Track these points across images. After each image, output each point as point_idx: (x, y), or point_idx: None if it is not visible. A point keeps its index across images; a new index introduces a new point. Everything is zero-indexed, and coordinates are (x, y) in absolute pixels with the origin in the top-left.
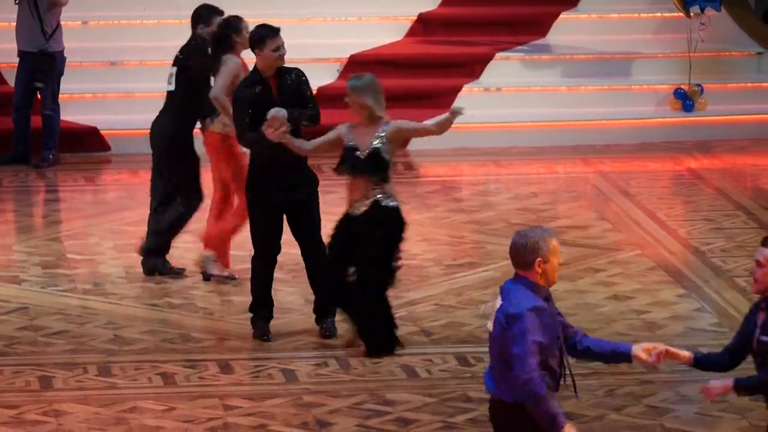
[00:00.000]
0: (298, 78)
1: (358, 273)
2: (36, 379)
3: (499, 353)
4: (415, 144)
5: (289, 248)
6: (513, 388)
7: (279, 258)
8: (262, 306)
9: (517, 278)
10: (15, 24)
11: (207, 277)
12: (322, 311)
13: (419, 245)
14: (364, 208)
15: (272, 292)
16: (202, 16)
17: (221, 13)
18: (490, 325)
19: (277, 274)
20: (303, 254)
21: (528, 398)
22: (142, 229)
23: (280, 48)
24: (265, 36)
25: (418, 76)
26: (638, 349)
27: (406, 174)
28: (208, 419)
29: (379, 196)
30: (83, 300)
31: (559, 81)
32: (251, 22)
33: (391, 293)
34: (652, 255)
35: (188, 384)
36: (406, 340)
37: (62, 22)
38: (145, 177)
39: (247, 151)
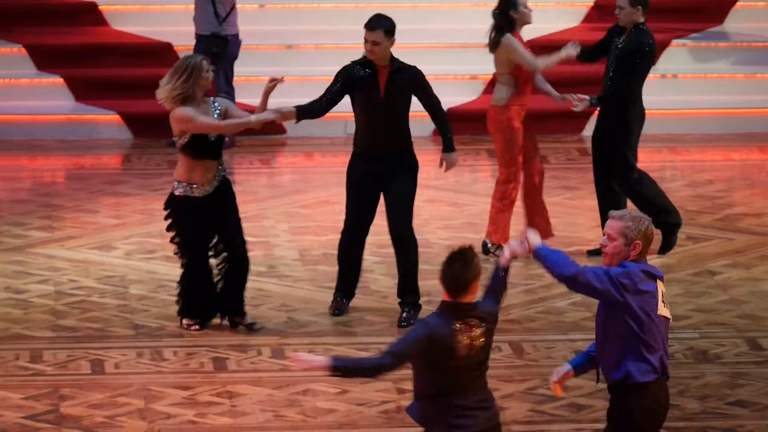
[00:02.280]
0: (413, 78)
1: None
2: (210, 360)
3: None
4: (590, 130)
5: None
6: None
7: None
8: (341, 281)
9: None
10: (193, 7)
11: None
12: (403, 296)
13: (594, 231)
14: (216, 184)
15: (358, 272)
16: None
17: None
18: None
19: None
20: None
21: None
22: (317, 212)
23: (367, 42)
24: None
25: (593, 62)
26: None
27: (581, 160)
28: (381, 402)
29: (224, 173)
30: (257, 282)
31: (736, 68)
32: (419, 8)
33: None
34: None
35: None
36: (580, 326)
37: (240, 6)
38: (320, 160)
39: None
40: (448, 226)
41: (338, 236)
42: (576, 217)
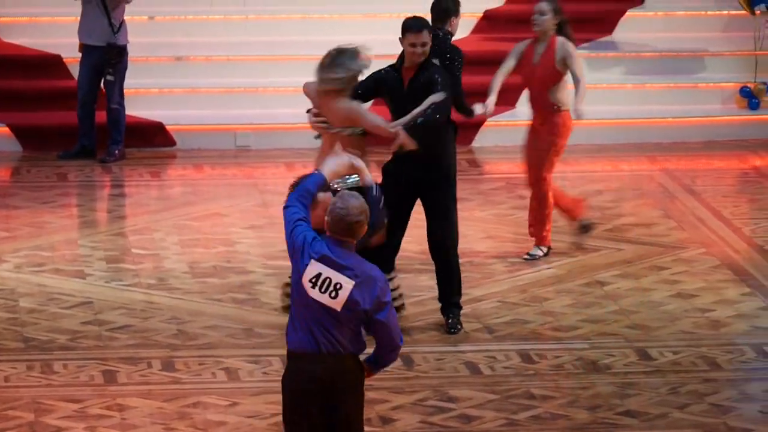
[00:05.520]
0: (432, 78)
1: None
2: (100, 373)
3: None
4: (479, 141)
5: None
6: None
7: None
8: None
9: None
10: (79, 19)
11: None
12: (445, 304)
13: (484, 242)
14: None
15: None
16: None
17: None
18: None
19: None
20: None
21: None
22: (207, 224)
23: (416, 45)
24: (407, 29)
25: (483, 73)
26: None
27: (471, 171)
28: (272, 414)
29: None
30: (147, 295)
31: (625, 78)
32: (309, 19)
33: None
34: (717, 253)
35: (252, 379)
36: (470, 338)
37: (128, 17)
38: (210, 173)
39: None
40: None
41: (227, 248)
42: (466, 229)
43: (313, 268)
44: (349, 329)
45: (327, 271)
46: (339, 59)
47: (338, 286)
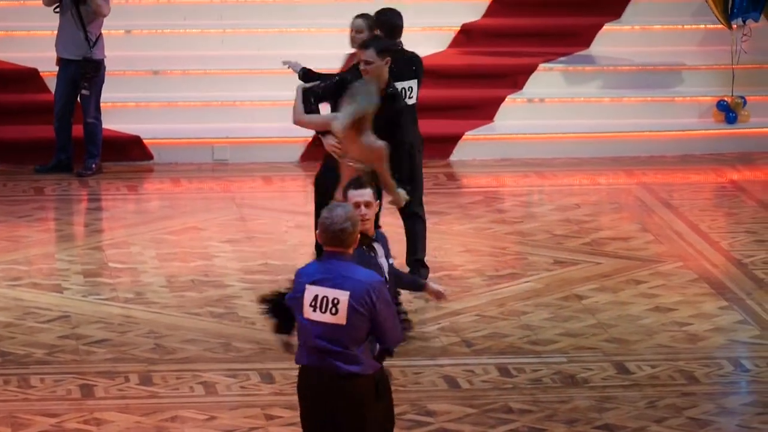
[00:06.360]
0: (397, 111)
1: None
2: (77, 387)
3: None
4: (458, 155)
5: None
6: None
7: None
8: None
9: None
10: (56, 32)
11: None
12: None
13: (462, 256)
14: None
15: None
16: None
17: None
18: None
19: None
20: None
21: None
22: (185, 238)
23: (361, 62)
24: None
25: (461, 87)
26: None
27: (449, 184)
28: (250, 429)
29: None
30: (125, 309)
31: (602, 92)
32: (287, 33)
33: (433, 303)
34: (695, 267)
35: (229, 393)
36: (448, 351)
37: (105, 31)
38: (187, 186)
39: None
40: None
41: (205, 263)
42: (443, 242)
43: (310, 292)
44: (352, 345)
45: (322, 291)
46: (352, 92)
47: (336, 302)
